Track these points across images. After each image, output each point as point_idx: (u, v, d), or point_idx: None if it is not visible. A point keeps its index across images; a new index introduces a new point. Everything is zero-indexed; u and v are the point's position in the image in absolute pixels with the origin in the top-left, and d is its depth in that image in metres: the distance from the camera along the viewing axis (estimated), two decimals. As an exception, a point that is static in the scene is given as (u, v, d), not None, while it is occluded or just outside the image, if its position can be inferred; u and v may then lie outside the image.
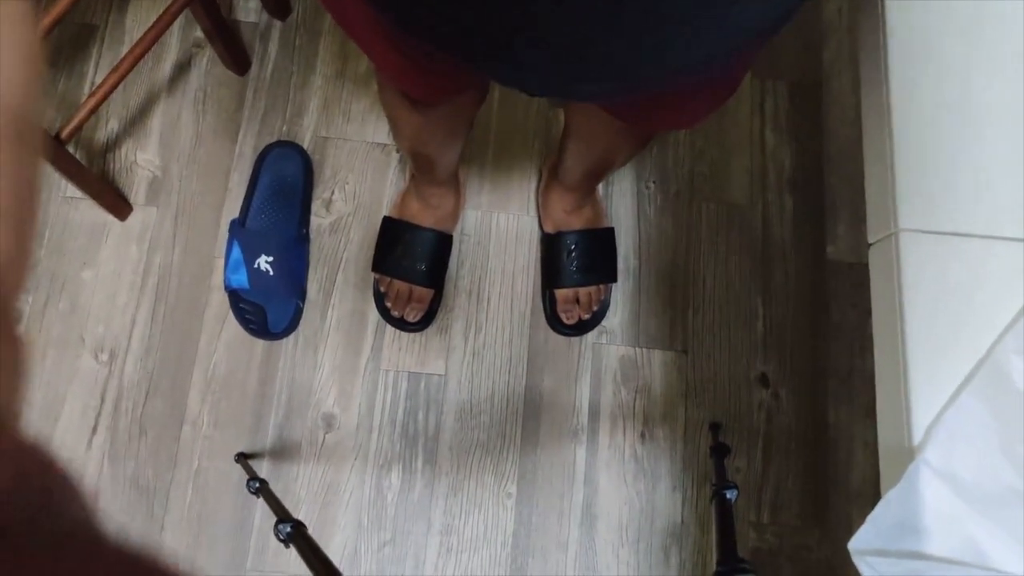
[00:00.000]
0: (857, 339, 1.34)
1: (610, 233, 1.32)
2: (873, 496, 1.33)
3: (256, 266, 1.28)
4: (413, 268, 1.27)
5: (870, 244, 0.64)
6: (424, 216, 1.29)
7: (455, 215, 1.33)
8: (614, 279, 1.32)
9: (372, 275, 1.31)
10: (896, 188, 0.60)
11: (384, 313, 1.30)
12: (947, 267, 0.59)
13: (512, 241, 1.36)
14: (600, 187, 1.36)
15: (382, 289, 1.29)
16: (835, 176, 1.42)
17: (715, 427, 1.28)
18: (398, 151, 1.38)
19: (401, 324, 1.29)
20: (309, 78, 1.42)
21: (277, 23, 1.44)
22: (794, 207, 1.41)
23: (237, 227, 1.31)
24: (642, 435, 1.29)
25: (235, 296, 1.29)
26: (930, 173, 0.61)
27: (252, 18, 1.44)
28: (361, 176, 1.38)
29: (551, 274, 1.31)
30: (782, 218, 1.40)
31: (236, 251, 1.29)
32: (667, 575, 1.24)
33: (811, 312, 1.36)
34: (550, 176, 1.31)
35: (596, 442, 1.28)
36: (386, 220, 1.31)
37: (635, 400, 1.30)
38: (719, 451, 1.12)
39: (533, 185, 1.39)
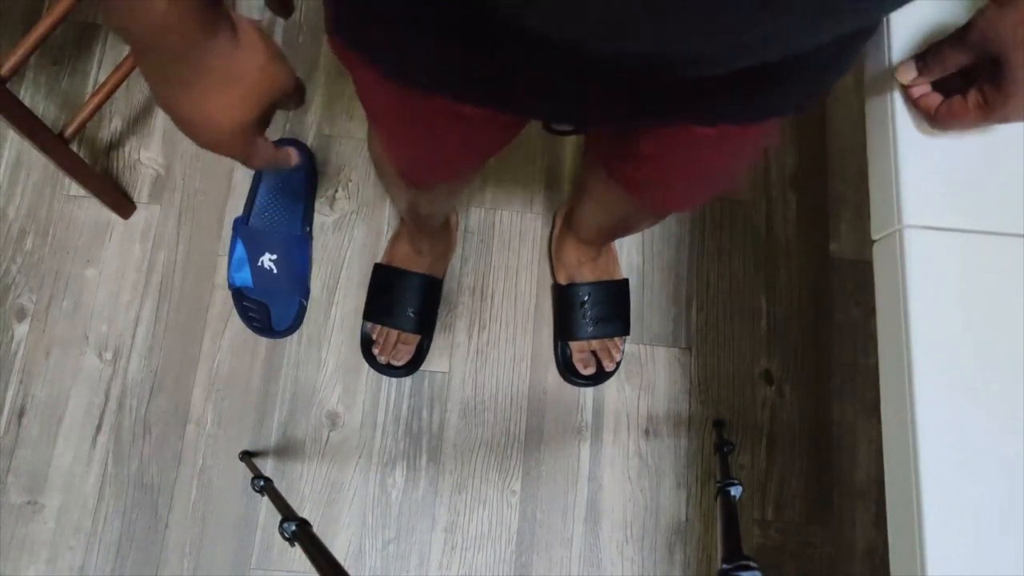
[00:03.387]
0: (861, 337, 1.34)
1: (624, 285, 1.31)
2: (877, 494, 1.33)
3: (260, 264, 1.29)
4: (403, 314, 1.26)
5: (874, 241, 0.63)
6: (414, 261, 1.28)
7: (446, 259, 1.33)
8: (627, 332, 1.30)
9: (363, 323, 1.30)
10: (900, 184, 0.60)
11: (371, 360, 1.28)
12: (951, 264, 0.59)
13: (515, 238, 1.36)
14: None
15: (373, 336, 1.28)
16: (838, 173, 1.42)
17: (719, 424, 1.28)
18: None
19: (387, 370, 1.28)
20: (312, 76, 1.42)
21: (280, 21, 1.44)
22: (797, 204, 1.40)
23: (240, 225, 1.31)
24: (646, 432, 1.29)
25: (239, 294, 1.30)
26: (934, 169, 0.61)
27: (255, 16, 1.44)
28: (364, 174, 1.38)
29: (565, 326, 1.29)
30: (785, 215, 1.40)
31: (240, 249, 1.30)
32: (671, 572, 1.24)
33: (815, 309, 1.35)
34: (564, 225, 1.30)
35: (600, 439, 1.28)
36: (376, 268, 1.30)
37: (639, 397, 1.30)
38: (723, 448, 1.12)
39: (537, 181, 1.38)
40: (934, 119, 0.59)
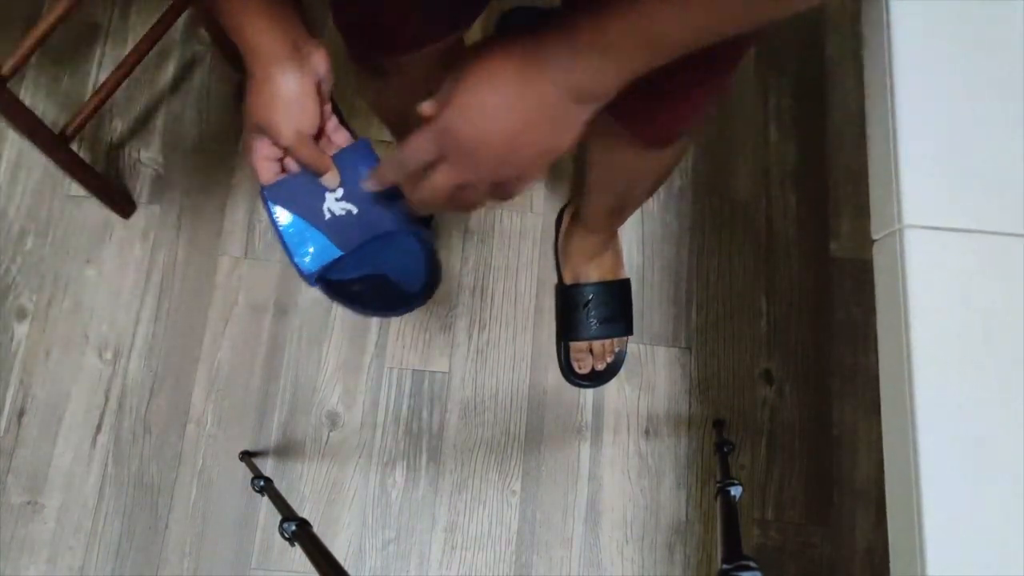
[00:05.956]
0: (861, 336, 1.34)
1: (626, 285, 1.31)
2: (877, 494, 1.33)
3: (325, 214, 0.67)
4: None
5: (874, 240, 0.63)
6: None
7: None
8: (630, 332, 1.30)
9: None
10: (900, 184, 0.60)
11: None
12: (951, 263, 0.59)
13: (515, 237, 1.36)
14: (619, 234, 1.34)
15: None
16: (838, 172, 1.42)
17: (719, 424, 1.28)
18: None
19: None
20: (312, 76, 1.42)
21: (280, 21, 1.44)
22: (797, 203, 1.40)
23: (268, 190, 0.67)
24: (646, 432, 1.29)
25: (328, 285, 0.69)
26: (934, 169, 0.61)
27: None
28: (364, 174, 1.37)
29: (567, 326, 1.29)
30: (785, 214, 1.40)
31: (284, 215, 0.66)
32: (671, 572, 1.24)
33: (815, 309, 1.35)
34: (571, 221, 1.30)
35: (600, 439, 1.28)
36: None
37: (639, 397, 1.30)
38: (723, 448, 1.12)
39: (537, 181, 1.38)
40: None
